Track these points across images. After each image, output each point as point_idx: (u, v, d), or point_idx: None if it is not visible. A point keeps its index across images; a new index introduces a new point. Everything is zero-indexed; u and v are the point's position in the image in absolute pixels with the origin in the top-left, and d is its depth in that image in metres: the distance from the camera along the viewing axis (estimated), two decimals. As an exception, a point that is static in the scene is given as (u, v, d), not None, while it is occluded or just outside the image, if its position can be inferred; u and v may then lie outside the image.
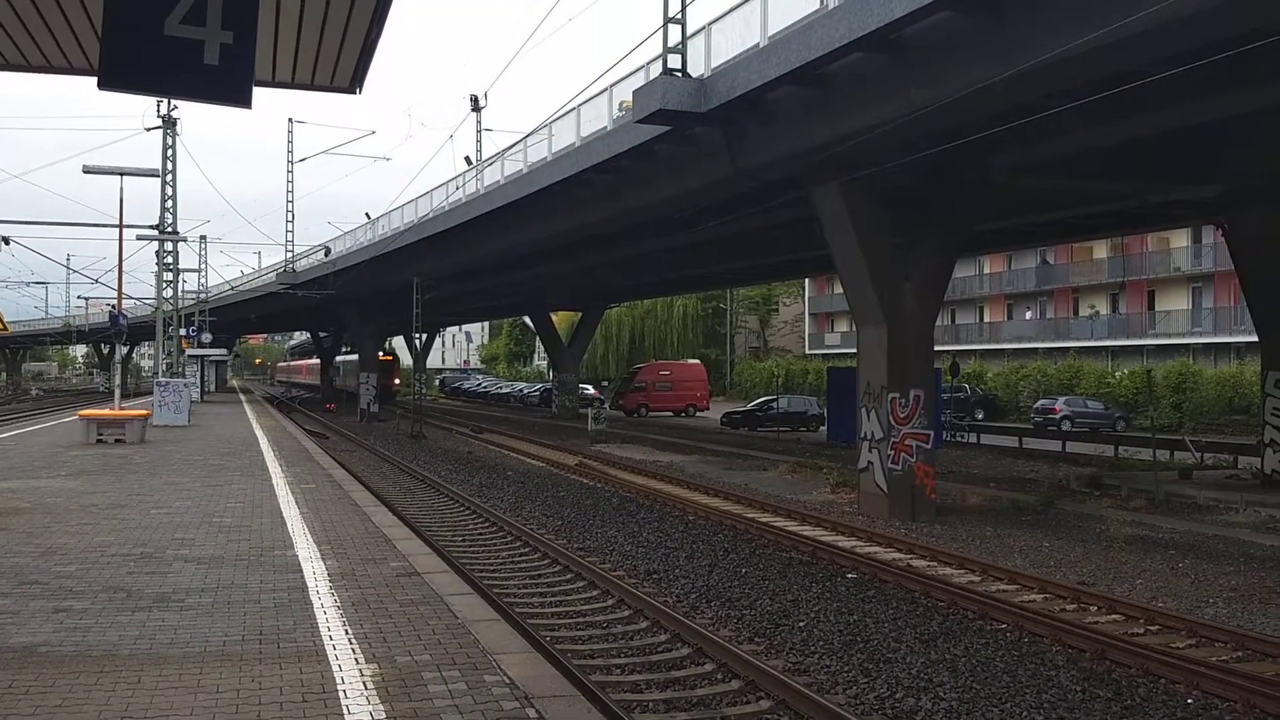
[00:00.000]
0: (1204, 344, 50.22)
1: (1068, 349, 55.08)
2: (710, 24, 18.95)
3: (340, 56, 8.07)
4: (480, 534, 17.09)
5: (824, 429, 38.84)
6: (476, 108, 45.76)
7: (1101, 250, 55.50)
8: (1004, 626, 11.00)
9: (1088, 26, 11.70)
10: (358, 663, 6.85)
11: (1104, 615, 11.61)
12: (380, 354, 62.20)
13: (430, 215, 37.57)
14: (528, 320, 73.90)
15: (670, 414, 55.49)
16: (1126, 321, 55.24)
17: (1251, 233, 22.40)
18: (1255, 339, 24.89)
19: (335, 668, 6.71)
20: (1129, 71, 12.80)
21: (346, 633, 7.60)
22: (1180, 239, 51.61)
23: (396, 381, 75.81)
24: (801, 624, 11.01)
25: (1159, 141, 17.26)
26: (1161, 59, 12.42)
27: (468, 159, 43.75)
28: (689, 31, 18.92)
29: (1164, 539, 16.75)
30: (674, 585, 12.95)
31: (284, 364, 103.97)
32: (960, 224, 20.20)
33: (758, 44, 17.35)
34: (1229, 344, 48.13)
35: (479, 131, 45.37)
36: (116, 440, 24.74)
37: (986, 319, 65.45)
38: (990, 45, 13.44)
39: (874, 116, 15.80)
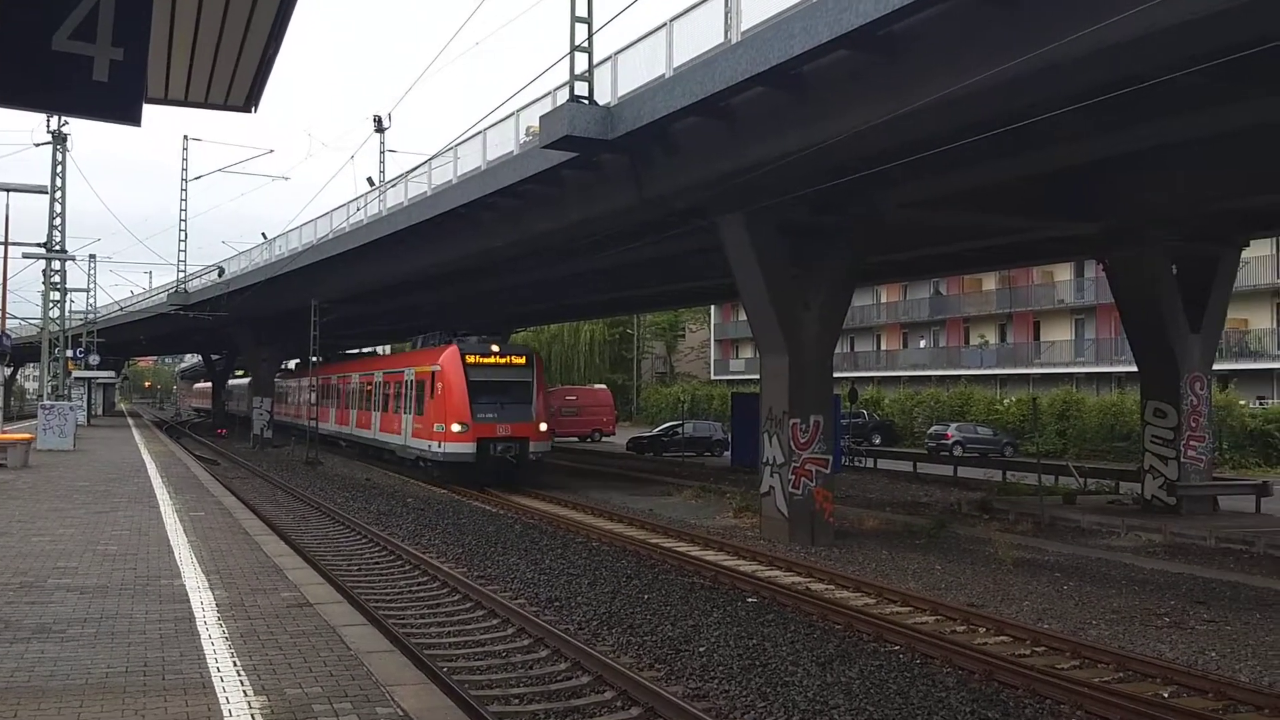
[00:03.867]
0: (1086, 373, 52.24)
1: (960, 376, 56.73)
2: (617, 53, 19.12)
3: (236, 75, 7.98)
4: (377, 563, 16.79)
5: (728, 454, 39.26)
6: (380, 128, 45.27)
7: (991, 282, 57.53)
8: (897, 648, 11.24)
9: (977, 68, 12.16)
10: (246, 695, 6.72)
11: (993, 636, 11.96)
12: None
13: (330, 236, 36.95)
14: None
15: (576, 439, 55.39)
16: (1014, 351, 57.21)
17: (1130, 268, 23.42)
18: (1135, 369, 25.98)
19: (223, 700, 6.56)
20: (1015, 111, 13.31)
21: (235, 664, 7.44)
22: (1064, 273, 53.78)
23: None
24: (702, 649, 11.08)
25: (1045, 179, 17.99)
26: (1044, 100, 12.96)
27: (370, 180, 43.21)
28: (596, 60, 19.07)
29: (1050, 561, 17.32)
30: (576, 612, 12.91)
31: (200, 385, 70.90)
32: (858, 255, 20.71)
33: (663, 75, 17.58)
34: (1110, 374, 50.14)
35: (382, 152, 44.90)
36: (-3, 465, 23.72)
37: (883, 347, 67.11)
38: (884, 84, 13.85)
39: (776, 149, 16.12)
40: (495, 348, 30.70)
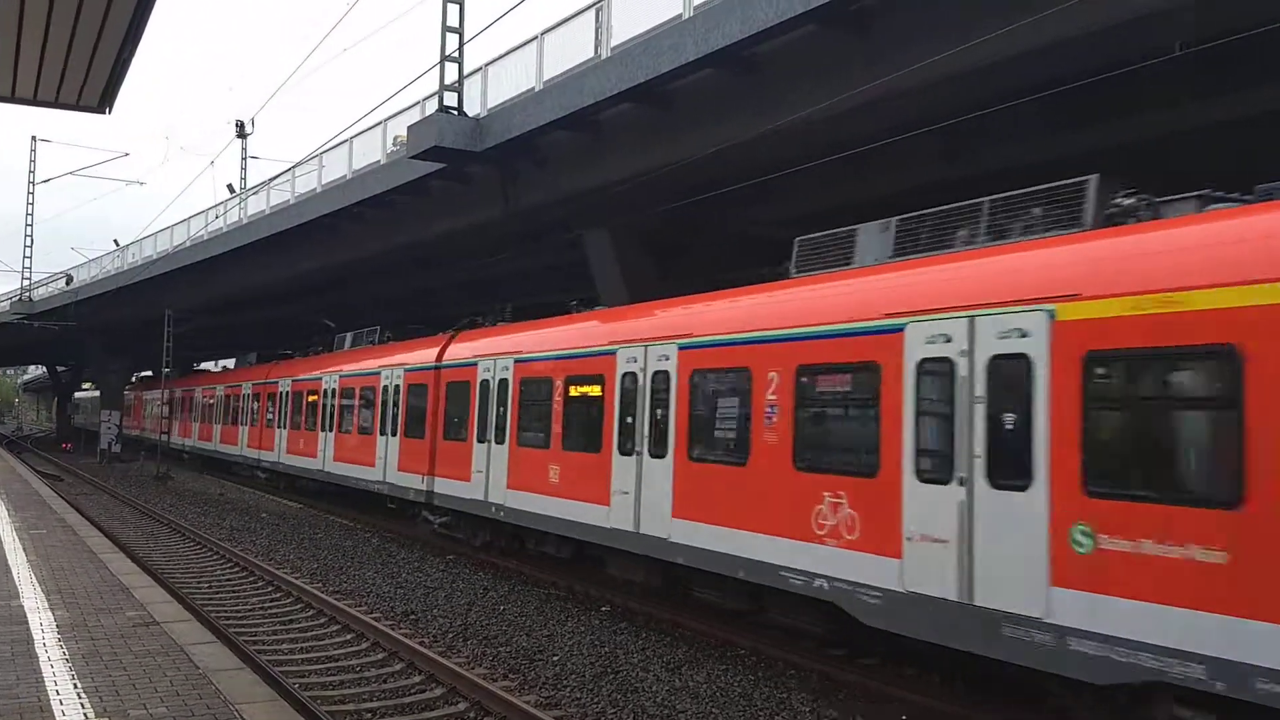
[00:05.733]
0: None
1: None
2: (487, 65, 19.15)
3: (89, 74, 7.78)
4: (229, 580, 16.29)
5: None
6: (242, 134, 44.12)
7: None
8: (743, 652, 11.49)
9: (833, 90, 12.63)
10: (87, 718, 6.53)
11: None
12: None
13: (187, 244, 35.73)
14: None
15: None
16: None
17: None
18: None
19: (60, 723, 6.31)
20: (861, 136, 13.82)
21: (75, 686, 7.23)
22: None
23: None
24: (555, 658, 11.19)
25: (898, 198, 18.69)
26: (887, 128, 13.50)
27: (230, 187, 41.97)
28: (467, 70, 19.03)
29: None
30: (431, 625, 12.82)
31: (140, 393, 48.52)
32: (712, 272, 21.04)
33: (533, 88, 17.68)
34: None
35: (244, 159, 43.75)
36: None
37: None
38: (748, 103, 14.22)
39: (642, 164, 16.36)
40: None
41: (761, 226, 18.97)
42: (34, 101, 8.36)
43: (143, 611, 9.96)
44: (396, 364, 21.85)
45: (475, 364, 18.01)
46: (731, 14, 12.88)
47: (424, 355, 20.66)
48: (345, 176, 24.93)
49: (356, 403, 23.91)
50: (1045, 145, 13.68)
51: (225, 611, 13.58)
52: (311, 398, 27.27)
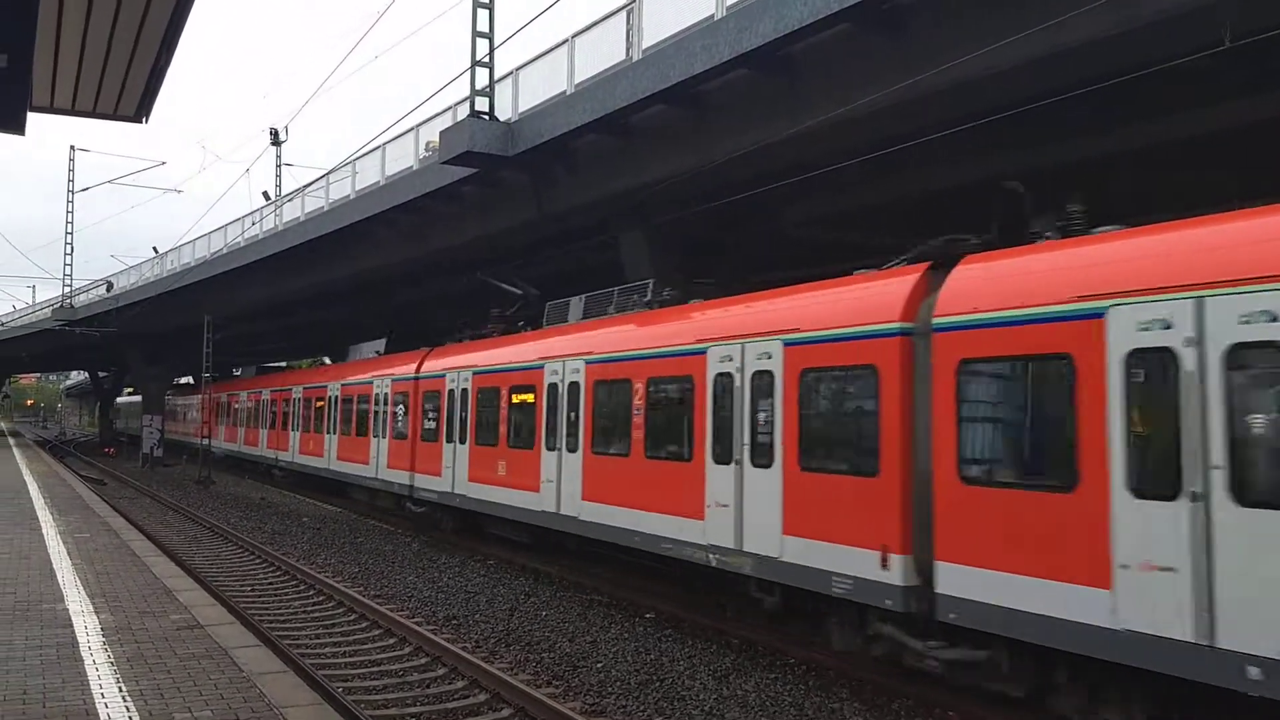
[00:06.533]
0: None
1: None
2: (518, 69, 19.18)
3: (126, 84, 7.85)
4: (271, 583, 16.43)
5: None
6: (276, 141, 44.54)
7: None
8: (793, 661, 11.40)
9: (868, 89, 12.54)
10: (131, 721, 6.54)
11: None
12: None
13: (224, 251, 36.10)
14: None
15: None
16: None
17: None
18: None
19: (106, 727, 6.38)
20: (895, 135, 13.71)
21: (120, 690, 7.29)
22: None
23: None
24: (600, 665, 11.12)
25: (931, 198, 18.54)
26: (934, 122, 13.39)
27: (266, 194, 42.40)
28: (498, 75, 19.09)
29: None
30: (474, 630, 12.84)
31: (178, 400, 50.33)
32: (752, 272, 21.00)
33: (565, 91, 17.70)
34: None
35: (279, 166, 44.15)
36: None
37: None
38: (781, 104, 14.17)
39: (675, 166, 16.34)
40: None
41: (798, 226, 18.89)
42: (72, 111, 8.45)
43: (187, 615, 10.05)
44: (385, 375, 24.64)
45: (444, 376, 20.73)
46: (765, 14, 12.82)
47: (405, 368, 23.31)
48: (378, 183, 25.07)
49: (355, 408, 26.40)
50: (1087, 143, 13.53)
51: (268, 615, 13.69)
52: (319, 404, 29.93)
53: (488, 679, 10.17)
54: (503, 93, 19.11)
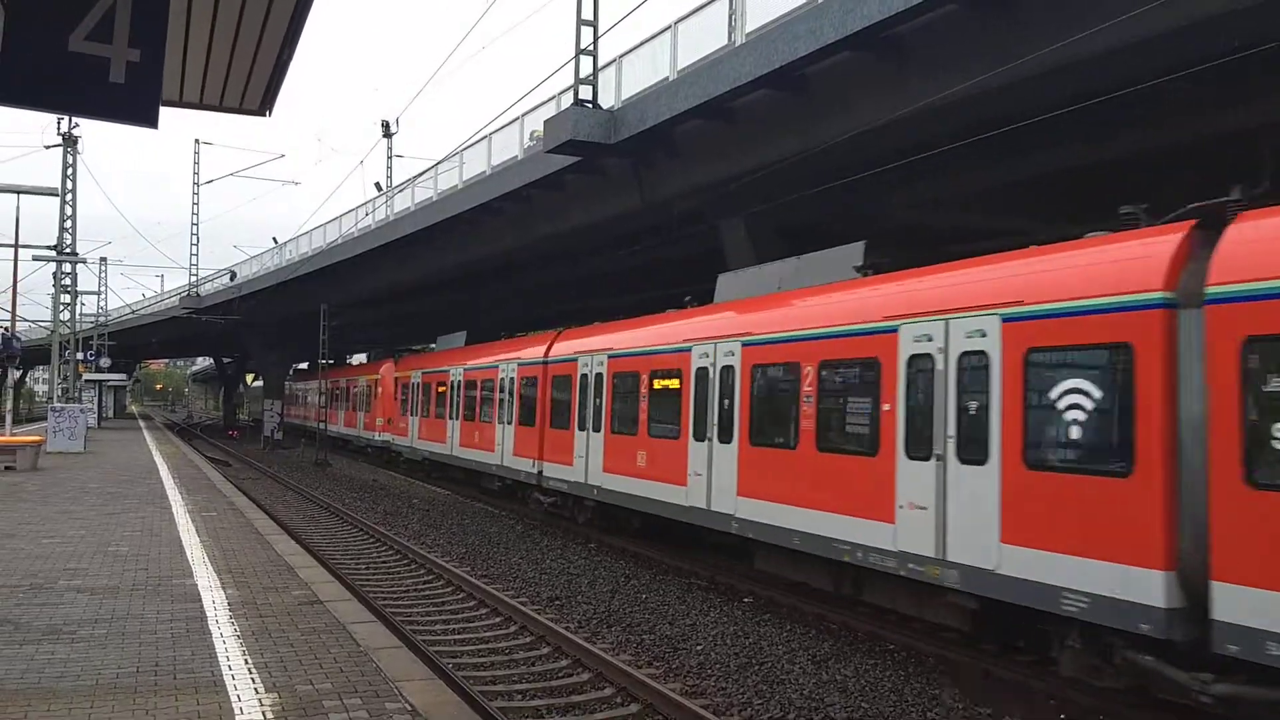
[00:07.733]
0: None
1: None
2: (621, 56, 19.29)
3: (251, 78, 7.99)
4: (384, 562, 16.95)
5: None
6: (388, 134, 45.63)
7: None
8: (892, 647, 11.33)
9: (976, 70, 12.28)
10: (257, 692, 6.81)
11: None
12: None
13: (339, 241, 37.18)
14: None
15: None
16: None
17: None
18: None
19: (234, 698, 6.67)
20: (1014, 113, 13.40)
21: (246, 662, 7.54)
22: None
23: None
24: (699, 647, 11.20)
25: (1049, 180, 18.01)
26: (1048, 102, 13.04)
27: (378, 185, 43.50)
28: (600, 64, 19.22)
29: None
30: (576, 611, 13.05)
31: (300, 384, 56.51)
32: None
33: (667, 77, 17.73)
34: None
35: (390, 157, 45.24)
36: (6, 468, 23.94)
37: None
38: (887, 85, 13.97)
39: (777, 151, 16.24)
40: None
41: (903, 211, 18.58)
42: (200, 106, 8.59)
43: (307, 590, 10.39)
44: (511, 359, 23.30)
45: (576, 360, 19.47)
46: (871, -5, 12.64)
47: (533, 351, 22.07)
48: (485, 173, 25.52)
49: (479, 394, 25.38)
50: (1189, 124, 13.05)
51: (382, 592, 14.12)
52: (440, 389, 28.89)
53: (590, 659, 10.35)
54: (606, 80, 19.25)
